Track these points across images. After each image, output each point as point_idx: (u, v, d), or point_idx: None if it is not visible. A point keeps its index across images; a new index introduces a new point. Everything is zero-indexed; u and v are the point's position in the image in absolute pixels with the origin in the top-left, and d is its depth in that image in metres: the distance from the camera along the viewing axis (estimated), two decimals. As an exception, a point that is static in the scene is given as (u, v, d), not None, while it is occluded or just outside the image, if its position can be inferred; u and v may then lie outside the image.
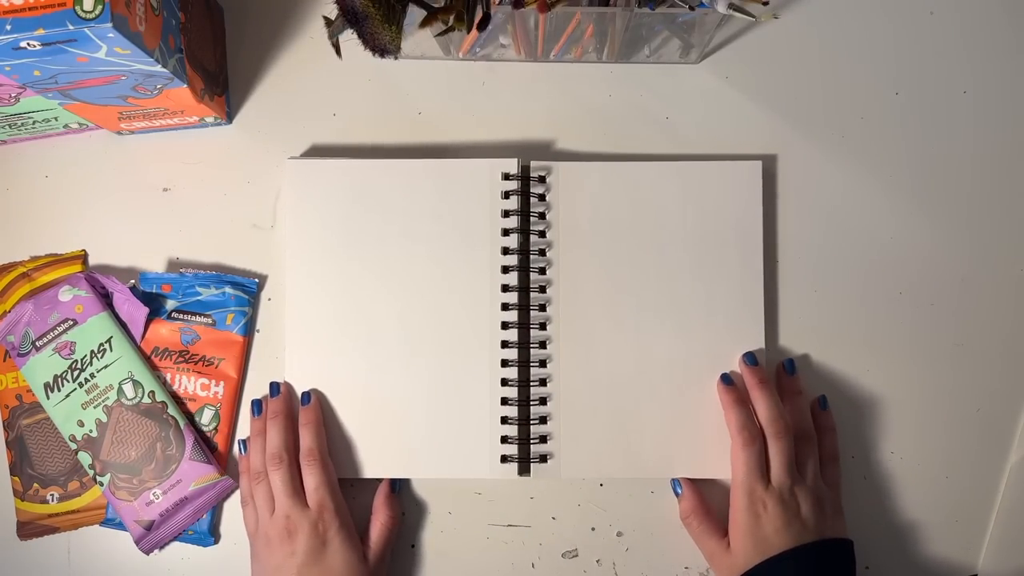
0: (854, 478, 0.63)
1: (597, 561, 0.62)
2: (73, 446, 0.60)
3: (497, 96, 0.65)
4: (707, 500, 0.60)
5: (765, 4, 0.52)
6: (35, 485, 0.61)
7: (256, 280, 0.63)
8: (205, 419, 0.61)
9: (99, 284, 0.62)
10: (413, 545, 0.62)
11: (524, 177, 0.62)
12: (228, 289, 0.62)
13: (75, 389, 0.60)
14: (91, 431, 0.59)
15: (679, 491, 0.60)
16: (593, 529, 0.63)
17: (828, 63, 0.65)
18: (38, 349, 0.60)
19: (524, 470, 0.61)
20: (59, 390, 0.60)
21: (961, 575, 0.63)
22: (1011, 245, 0.64)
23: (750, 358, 0.60)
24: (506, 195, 0.62)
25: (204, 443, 0.61)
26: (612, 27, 0.59)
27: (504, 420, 0.61)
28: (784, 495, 0.56)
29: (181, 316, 0.62)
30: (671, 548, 0.62)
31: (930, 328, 0.63)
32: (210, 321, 0.62)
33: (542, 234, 0.62)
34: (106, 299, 0.62)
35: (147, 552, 0.60)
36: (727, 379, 0.60)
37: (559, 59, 0.64)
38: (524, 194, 0.62)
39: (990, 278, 0.64)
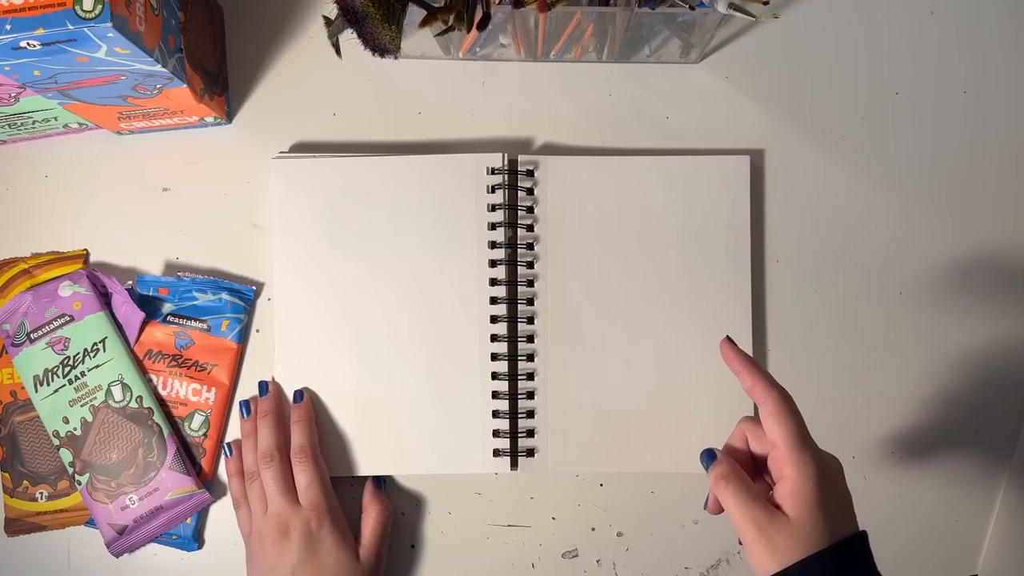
0: (854, 478, 0.62)
1: (597, 561, 0.62)
2: (56, 442, 0.60)
3: (497, 96, 0.65)
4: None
5: (765, 4, 0.52)
6: (25, 482, 0.61)
7: (253, 288, 0.63)
8: (195, 424, 0.61)
9: (100, 283, 0.62)
10: (413, 545, 0.62)
11: (511, 171, 0.62)
12: (225, 295, 0.62)
13: (64, 385, 0.60)
14: (75, 429, 0.59)
15: (709, 462, 0.51)
16: (593, 529, 0.62)
17: (828, 63, 0.65)
18: (32, 341, 0.60)
19: (516, 464, 0.61)
20: (48, 384, 0.60)
21: (961, 575, 0.63)
22: (1012, 245, 0.64)
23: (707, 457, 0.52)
24: (493, 189, 0.62)
25: (186, 454, 0.61)
26: (612, 27, 0.59)
27: (495, 414, 0.61)
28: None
29: (176, 320, 0.62)
30: (671, 548, 0.62)
31: (930, 328, 0.63)
32: (205, 327, 0.62)
33: (530, 228, 0.62)
34: (105, 298, 0.61)
35: (117, 556, 0.60)
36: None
37: (559, 59, 0.64)
38: (512, 188, 0.62)
39: (990, 278, 0.64)
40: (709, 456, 0.51)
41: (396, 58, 0.50)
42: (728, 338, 0.53)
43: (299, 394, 0.61)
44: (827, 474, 0.47)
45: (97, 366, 0.60)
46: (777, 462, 0.48)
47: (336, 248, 0.62)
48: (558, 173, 0.62)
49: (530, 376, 0.61)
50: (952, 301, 0.64)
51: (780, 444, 0.48)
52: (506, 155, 0.62)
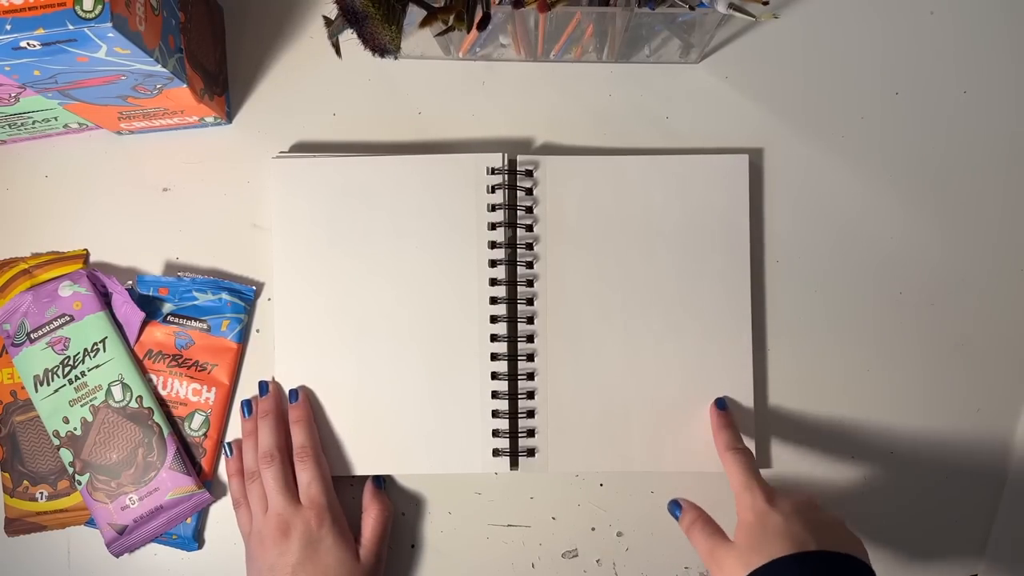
0: (854, 478, 0.63)
1: (597, 561, 0.62)
2: (56, 442, 0.60)
3: (497, 96, 0.65)
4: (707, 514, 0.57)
5: (765, 4, 0.52)
6: (25, 482, 0.61)
7: (253, 288, 0.63)
8: (195, 424, 0.61)
9: (100, 283, 0.62)
10: (413, 545, 0.62)
11: (511, 171, 0.62)
12: (225, 295, 0.62)
13: (64, 385, 0.60)
14: (75, 429, 0.59)
15: (678, 513, 0.58)
16: (593, 529, 0.63)
17: (828, 63, 0.65)
18: (32, 341, 0.60)
19: (515, 464, 0.61)
20: (48, 384, 0.60)
21: (961, 575, 0.63)
22: (1011, 245, 0.64)
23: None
24: (492, 189, 0.62)
25: (186, 454, 0.61)
26: (612, 27, 0.59)
27: (495, 414, 0.61)
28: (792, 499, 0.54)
29: (177, 320, 0.62)
30: (671, 548, 0.62)
31: (930, 328, 0.63)
32: (205, 327, 0.62)
33: (530, 228, 0.62)
34: (105, 298, 0.62)
35: (117, 556, 0.60)
36: (721, 404, 0.61)
37: (559, 59, 0.64)
38: (512, 188, 0.62)
39: (990, 278, 0.64)
40: (676, 506, 0.58)
41: (396, 58, 0.50)
42: (715, 403, 0.61)
43: (294, 393, 0.61)
44: (768, 510, 0.53)
45: (97, 366, 0.60)
46: (736, 506, 0.56)
47: (336, 248, 0.62)
48: (558, 173, 0.62)
49: (530, 376, 0.61)
50: (951, 301, 0.64)
51: (734, 490, 0.56)
52: (506, 155, 0.62)
